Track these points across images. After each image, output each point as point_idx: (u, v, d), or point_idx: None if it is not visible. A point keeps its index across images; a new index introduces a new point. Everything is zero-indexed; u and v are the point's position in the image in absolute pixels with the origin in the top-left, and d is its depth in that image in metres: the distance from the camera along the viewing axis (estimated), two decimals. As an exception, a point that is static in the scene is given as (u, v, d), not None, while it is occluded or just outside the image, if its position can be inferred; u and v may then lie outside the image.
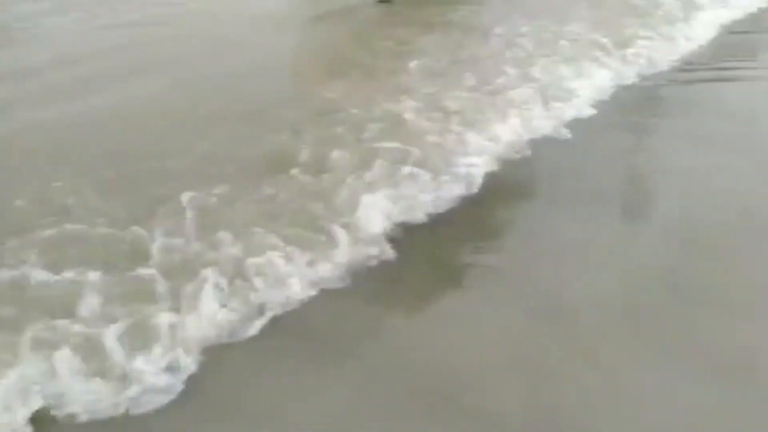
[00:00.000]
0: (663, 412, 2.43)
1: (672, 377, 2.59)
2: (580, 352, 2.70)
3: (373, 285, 3.11)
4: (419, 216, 3.60)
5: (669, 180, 4.13)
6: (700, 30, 6.57)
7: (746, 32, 6.78)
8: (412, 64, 5.53)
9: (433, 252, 3.40)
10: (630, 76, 5.58)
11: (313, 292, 3.01)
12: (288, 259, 3.10)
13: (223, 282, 2.91)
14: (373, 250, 3.28)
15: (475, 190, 3.88)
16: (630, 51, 5.91)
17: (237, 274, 2.98)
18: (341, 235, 3.29)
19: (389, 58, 5.82)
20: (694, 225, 3.60)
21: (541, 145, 4.46)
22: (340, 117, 4.50)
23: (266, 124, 4.44)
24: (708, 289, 3.09)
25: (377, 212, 3.49)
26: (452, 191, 3.82)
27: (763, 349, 2.72)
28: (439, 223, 3.60)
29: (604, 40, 6.00)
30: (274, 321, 2.85)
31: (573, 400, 2.47)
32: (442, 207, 3.70)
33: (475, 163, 4.07)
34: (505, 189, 4.02)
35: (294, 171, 3.81)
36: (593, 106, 5.05)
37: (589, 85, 5.27)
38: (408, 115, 4.53)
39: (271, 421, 2.41)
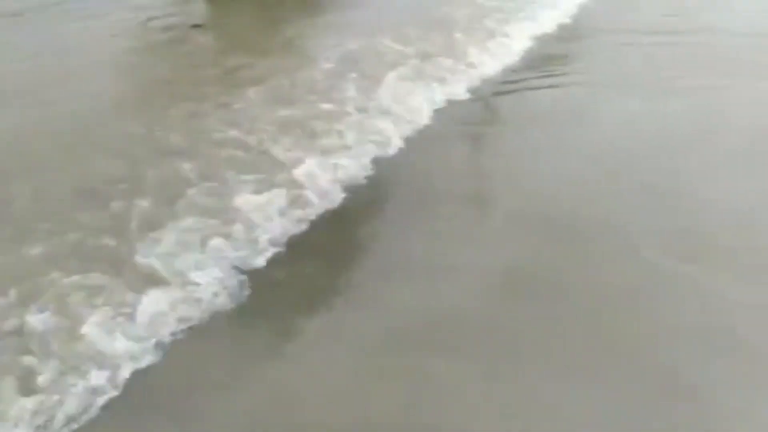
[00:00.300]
0: (528, 417, 2.53)
1: (534, 378, 2.70)
2: (443, 366, 2.77)
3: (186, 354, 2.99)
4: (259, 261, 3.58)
5: (508, 182, 4.39)
6: (518, 43, 7.03)
7: (557, 42, 7.37)
8: (248, 92, 5.48)
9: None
10: (460, 91, 5.86)
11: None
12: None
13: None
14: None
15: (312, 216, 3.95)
16: (460, 65, 6.25)
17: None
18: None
19: (220, 87, 5.73)
20: (537, 224, 3.82)
21: (382, 162, 4.60)
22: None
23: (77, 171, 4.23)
24: (559, 289, 3.26)
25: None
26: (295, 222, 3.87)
27: (620, 346, 2.88)
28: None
29: (438, 58, 6.30)
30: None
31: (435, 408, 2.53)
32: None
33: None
34: (350, 210, 4.08)
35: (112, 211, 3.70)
36: (431, 119, 5.31)
37: (425, 100, 5.52)
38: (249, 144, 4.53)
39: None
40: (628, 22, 7.85)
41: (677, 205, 3.99)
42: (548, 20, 7.79)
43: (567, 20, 7.98)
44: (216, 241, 3.58)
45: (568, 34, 7.58)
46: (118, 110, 5.23)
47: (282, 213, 3.93)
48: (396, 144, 4.90)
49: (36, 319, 2.93)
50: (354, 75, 5.84)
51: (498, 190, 4.37)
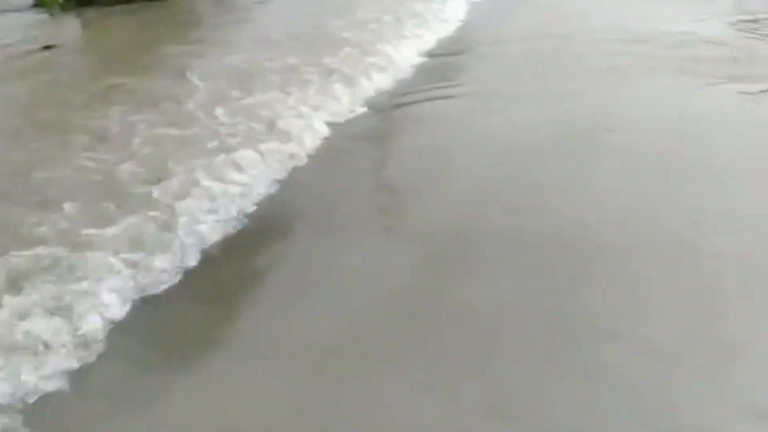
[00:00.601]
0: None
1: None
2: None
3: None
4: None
5: (410, 195, 4.36)
6: (409, 58, 7.06)
7: (444, 56, 7.45)
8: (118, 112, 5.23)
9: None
10: (358, 107, 5.81)
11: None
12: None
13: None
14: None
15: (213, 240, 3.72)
16: (353, 82, 6.19)
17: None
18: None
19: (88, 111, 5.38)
20: (437, 239, 3.78)
21: (279, 182, 4.50)
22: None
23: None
24: (454, 308, 3.17)
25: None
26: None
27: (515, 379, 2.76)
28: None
29: (333, 76, 6.24)
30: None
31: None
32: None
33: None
34: (246, 235, 3.89)
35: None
36: (327, 136, 5.22)
37: (323, 117, 5.41)
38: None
39: None
40: (508, 33, 8.18)
41: (571, 205, 4.06)
42: (434, 36, 7.92)
43: (452, 34, 8.16)
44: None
45: (454, 47, 7.70)
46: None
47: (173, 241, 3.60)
48: (292, 163, 4.78)
49: None
50: (237, 93, 5.63)
51: (397, 202, 4.34)
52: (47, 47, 7.08)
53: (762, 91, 5.87)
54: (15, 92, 6.15)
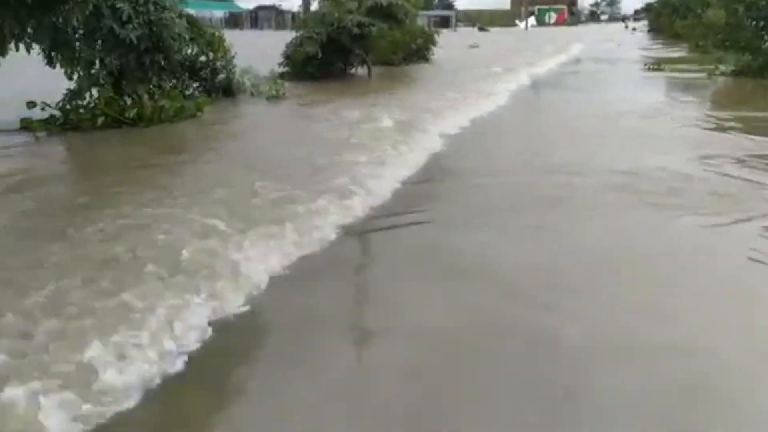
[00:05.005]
0: None
1: None
2: None
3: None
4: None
5: (381, 315, 4.45)
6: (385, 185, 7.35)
7: (416, 185, 7.75)
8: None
9: None
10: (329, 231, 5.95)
11: None
12: None
13: None
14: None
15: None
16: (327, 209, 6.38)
17: None
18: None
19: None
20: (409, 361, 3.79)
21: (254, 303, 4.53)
22: None
23: None
24: None
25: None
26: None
27: None
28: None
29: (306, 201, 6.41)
30: None
31: None
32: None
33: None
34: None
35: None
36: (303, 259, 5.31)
37: (293, 240, 5.52)
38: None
39: None
40: (480, 166, 8.58)
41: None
42: (406, 166, 8.27)
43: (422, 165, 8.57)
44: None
45: (426, 177, 8.05)
46: None
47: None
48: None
49: None
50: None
51: (372, 324, 4.42)
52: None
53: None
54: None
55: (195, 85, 13.44)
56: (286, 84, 15.31)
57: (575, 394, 3.51)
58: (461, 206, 6.91)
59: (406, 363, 3.81)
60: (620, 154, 9.07)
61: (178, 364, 3.67)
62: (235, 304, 4.39)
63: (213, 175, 7.49)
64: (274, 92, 14.30)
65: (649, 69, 22.26)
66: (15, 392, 3.14)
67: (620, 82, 19.89)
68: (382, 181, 7.38)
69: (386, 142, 9.11)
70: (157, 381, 3.52)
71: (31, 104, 10.15)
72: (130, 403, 3.32)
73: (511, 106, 14.36)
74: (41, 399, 3.11)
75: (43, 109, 10.14)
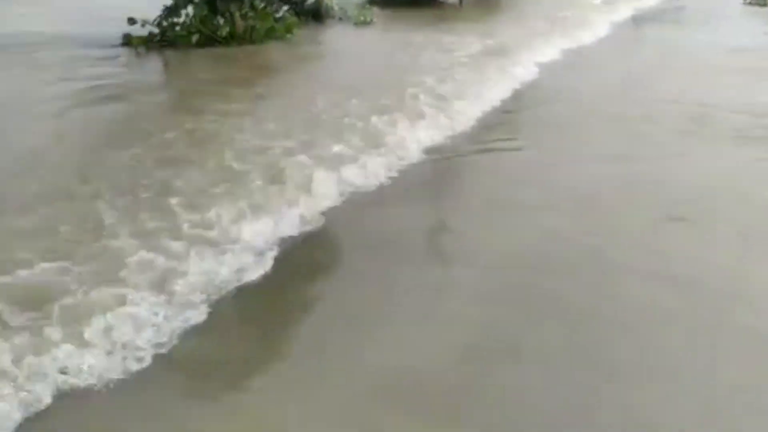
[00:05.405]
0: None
1: None
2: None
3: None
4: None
5: (469, 239, 4.51)
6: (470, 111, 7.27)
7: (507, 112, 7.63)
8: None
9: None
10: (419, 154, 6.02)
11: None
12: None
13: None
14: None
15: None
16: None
17: None
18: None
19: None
20: (500, 282, 3.92)
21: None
22: None
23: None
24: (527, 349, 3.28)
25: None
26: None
27: None
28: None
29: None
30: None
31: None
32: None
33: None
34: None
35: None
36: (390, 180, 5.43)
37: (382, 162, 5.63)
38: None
39: None
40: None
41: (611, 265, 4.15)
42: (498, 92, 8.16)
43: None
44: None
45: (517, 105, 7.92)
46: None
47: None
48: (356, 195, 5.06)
49: None
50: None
51: (460, 246, 4.48)
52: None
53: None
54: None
55: (285, 8, 13.46)
56: (375, 9, 15.09)
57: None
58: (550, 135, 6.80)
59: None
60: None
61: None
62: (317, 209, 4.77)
63: (301, 94, 7.63)
64: (362, 18, 14.14)
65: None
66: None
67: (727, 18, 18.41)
68: (474, 107, 7.38)
69: (476, 69, 8.96)
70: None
71: (131, 21, 10.50)
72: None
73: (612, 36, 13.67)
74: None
75: (143, 25, 10.48)
